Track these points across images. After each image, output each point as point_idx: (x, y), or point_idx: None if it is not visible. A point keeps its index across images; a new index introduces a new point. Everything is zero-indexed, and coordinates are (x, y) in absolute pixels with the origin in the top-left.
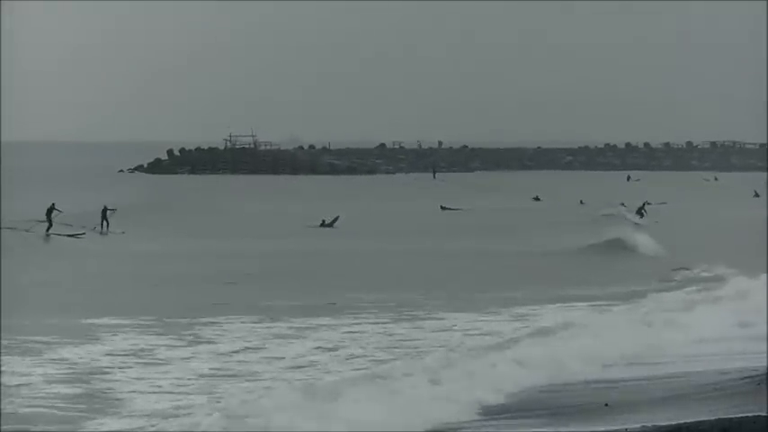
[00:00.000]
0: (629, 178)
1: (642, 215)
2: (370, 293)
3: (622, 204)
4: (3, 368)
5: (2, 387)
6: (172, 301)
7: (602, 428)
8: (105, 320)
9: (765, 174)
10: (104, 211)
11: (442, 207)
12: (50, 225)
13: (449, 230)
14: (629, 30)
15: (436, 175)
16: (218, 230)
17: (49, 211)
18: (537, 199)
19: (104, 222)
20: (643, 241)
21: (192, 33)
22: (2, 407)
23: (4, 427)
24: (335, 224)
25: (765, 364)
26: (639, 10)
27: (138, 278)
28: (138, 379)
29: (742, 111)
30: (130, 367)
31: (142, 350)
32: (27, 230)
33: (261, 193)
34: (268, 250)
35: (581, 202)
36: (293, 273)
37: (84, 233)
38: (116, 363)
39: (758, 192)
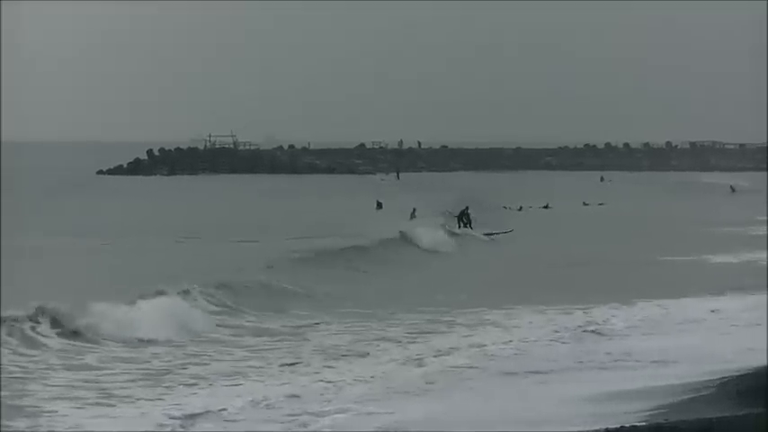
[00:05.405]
0: (602, 179)
1: None
2: None
3: None
4: None
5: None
6: None
7: (602, 427)
8: None
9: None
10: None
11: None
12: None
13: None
14: (611, 28)
15: (400, 175)
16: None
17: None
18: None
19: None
20: None
21: (175, 34)
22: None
23: (3, 428)
24: None
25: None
26: (625, 8)
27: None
28: None
29: (721, 111)
30: None
31: None
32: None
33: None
34: None
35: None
36: None
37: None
38: None
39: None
